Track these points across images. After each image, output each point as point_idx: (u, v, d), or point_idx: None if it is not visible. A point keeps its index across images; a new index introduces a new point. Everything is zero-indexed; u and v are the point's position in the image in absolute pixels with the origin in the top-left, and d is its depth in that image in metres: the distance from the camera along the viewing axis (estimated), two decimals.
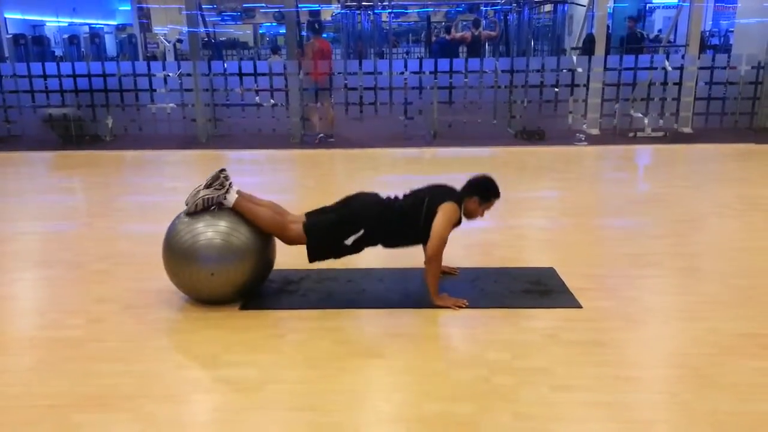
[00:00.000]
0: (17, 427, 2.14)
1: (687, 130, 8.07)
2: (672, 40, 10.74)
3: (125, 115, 8.24)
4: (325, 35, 9.97)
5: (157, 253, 3.04)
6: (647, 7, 14.17)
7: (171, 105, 8.14)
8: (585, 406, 2.20)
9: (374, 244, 3.06)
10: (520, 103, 8.06)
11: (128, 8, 19.11)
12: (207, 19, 11.71)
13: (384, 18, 14.24)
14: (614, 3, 12.04)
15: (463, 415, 2.15)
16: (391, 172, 6.22)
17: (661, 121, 8.00)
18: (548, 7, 11.51)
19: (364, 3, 12.28)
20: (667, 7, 15.58)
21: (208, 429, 2.15)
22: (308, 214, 3.06)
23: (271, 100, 8.15)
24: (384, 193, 3.18)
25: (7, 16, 13.83)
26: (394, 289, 3.19)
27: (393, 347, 2.64)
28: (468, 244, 3.89)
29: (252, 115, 8.15)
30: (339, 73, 8.08)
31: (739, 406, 2.18)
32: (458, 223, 3.04)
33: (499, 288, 3.20)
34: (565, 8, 10.74)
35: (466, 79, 8.08)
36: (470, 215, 3.09)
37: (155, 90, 8.16)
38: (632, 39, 9.20)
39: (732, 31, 11.92)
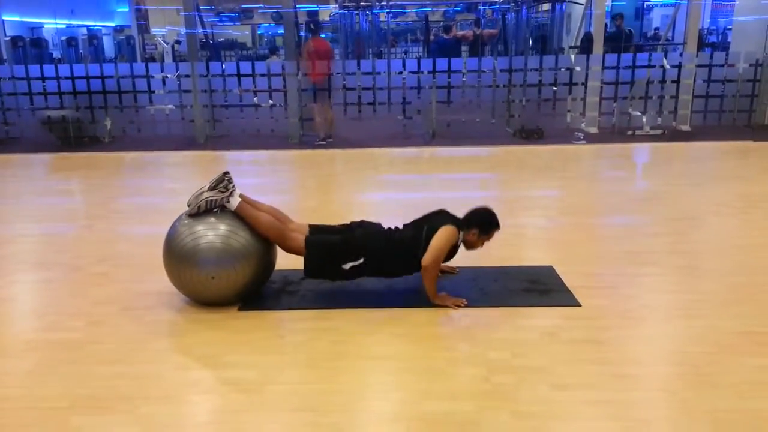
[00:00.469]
0: (16, 429, 2.14)
1: (685, 127, 8.08)
2: (670, 38, 10.74)
3: (124, 117, 8.25)
4: (323, 35, 9.93)
5: (156, 255, 3.04)
6: (645, 5, 14.16)
7: (169, 106, 8.15)
8: (584, 405, 2.20)
9: (369, 275, 3.06)
10: (519, 102, 8.07)
11: (126, 10, 19.08)
12: (205, 20, 11.70)
13: (382, 18, 14.24)
14: (612, 1, 12.05)
15: (462, 413, 2.15)
16: (390, 172, 6.21)
17: (659, 119, 8.01)
18: (546, 6, 11.53)
19: (362, 3, 12.28)
20: (665, 5, 15.60)
21: (207, 430, 2.15)
22: (312, 229, 3.07)
23: (270, 101, 8.15)
24: (386, 222, 3.18)
25: (5, 18, 13.81)
26: (395, 289, 3.19)
27: (392, 347, 2.64)
28: None
29: (250, 116, 8.15)
30: (337, 73, 8.08)
31: (738, 404, 2.19)
32: (456, 247, 3.03)
33: (498, 287, 3.20)
34: (563, 7, 10.73)
35: (464, 79, 8.09)
36: (470, 246, 3.10)
37: (154, 91, 8.17)
38: (618, 37, 8.83)
39: (730, 29, 11.93)
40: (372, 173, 6.24)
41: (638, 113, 7.99)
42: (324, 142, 7.72)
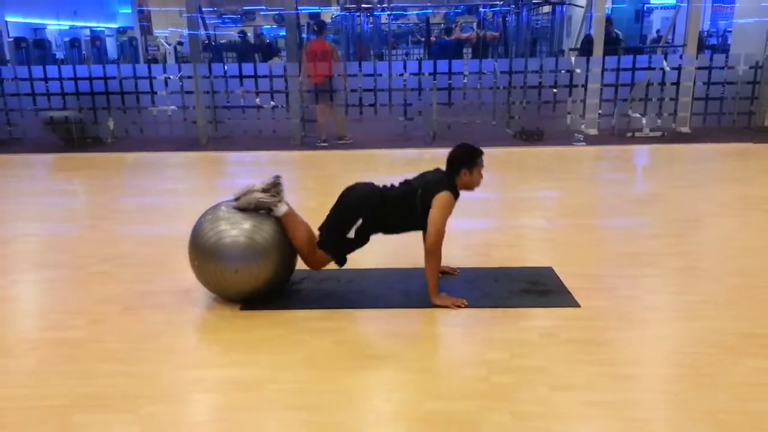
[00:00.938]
0: (18, 428, 2.15)
1: (685, 129, 8.09)
2: (670, 40, 10.76)
3: (126, 118, 8.27)
4: (328, 37, 9.91)
5: (159, 254, 3.06)
6: (645, 8, 14.16)
7: (172, 107, 8.17)
8: (584, 405, 2.21)
9: (375, 231, 3.10)
10: (519, 104, 8.08)
11: (129, 11, 19.14)
12: (207, 21, 11.73)
13: (383, 20, 14.26)
14: (612, 4, 12.05)
15: (462, 414, 2.16)
16: (391, 173, 6.21)
17: (659, 121, 8.02)
18: (547, 9, 11.52)
19: (363, 5, 12.30)
20: (665, 7, 15.61)
21: (208, 429, 2.16)
22: (319, 228, 3.13)
23: (272, 102, 8.17)
24: (381, 182, 3.21)
25: (8, 19, 13.86)
26: (395, 289, 3.20)
27: (393, 347, 2.65)
28: (467, 244, 3.90)
29: (252, 117, 8.17)
30: (338, 75, 8.07)
31: (738, 405, 2.19)
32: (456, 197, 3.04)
33: (498, 288, 3.21)
34: (564, 9, 10.74)
35: (465, 81, 8.10)
36: (470, 186, 3.09)
37: (156, 92, 8.20)
38: (606, 42, 8.79)
39: (730, 31, 11.94)
40: (373, 174, 6.24)
41: (638, 115, 8.00)
42: (326, 143, 7.73)
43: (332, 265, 3.21)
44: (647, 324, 2.83)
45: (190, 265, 3.01)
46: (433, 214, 2.93)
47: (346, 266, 3.34)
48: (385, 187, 3.15)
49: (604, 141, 7.65)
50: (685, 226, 4.26)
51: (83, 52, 14.51)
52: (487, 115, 8.15)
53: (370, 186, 3.17)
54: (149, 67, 8.43)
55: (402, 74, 8.17)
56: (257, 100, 8.14)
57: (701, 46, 10.00)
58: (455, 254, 3.58)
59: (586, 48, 8.48)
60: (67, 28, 17.02)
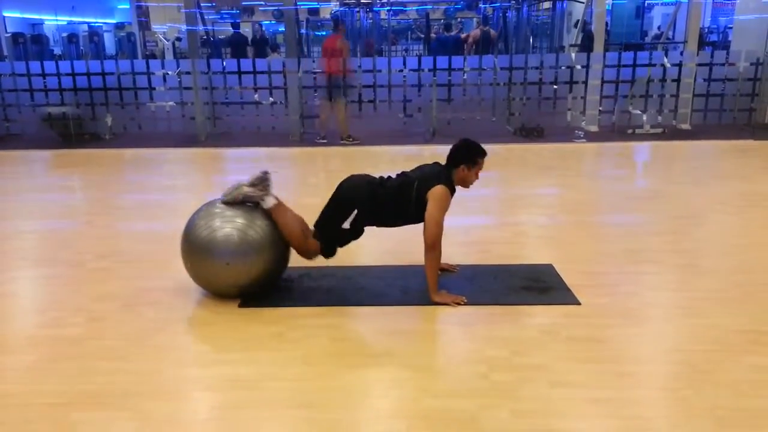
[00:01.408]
0: (16, 425, 2.14)
1: (685, 126, 8.07)
2: (671, 37, 10.74)
3: (124, 114, 8.24)
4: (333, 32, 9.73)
5: (157, 251, 3.05)
6: (645, 4, 14.14)
7: (170, 103, 8.15)
8: (584, 402, 2.20)
9: (370, 223, 3.10)
10: (519, 101, 8.06)
11: (127, 6, 19.09)
12: (206, 17, 11.69)
13: (383, 16, 14.23)
14: (612, 0, 12.03)
15: (462, 411, 2.16)
16: (391, 170, 6.20)
17: (659, 118, 8.00)
18: (547, 4, 11.52)
19: (362, 1, 12.26)
20: (666, 3, 15.58)
21: (206, 427, 2.15)
22: (315, 226, 3.13)
23: (270, 98, 8.14)
24: (377, 174, 3.21)
25: (6, 14, 13.81)
26: (393, 286, 3.19)
27: (392, 344, 2.64)
28: (467, 241, 3.89)
29: (251, 114, 8.15)
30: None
31: (738, 402, 2.19)
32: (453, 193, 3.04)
33: (498, 285, 3.20)
34: (564, 5, 10.73)
35: (465, 77, 8.08)
36: (465, 183, 3.09)
37: (154, 88, 8.17)
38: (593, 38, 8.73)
39: (731, 28, 11.91)
40: (372, 171, 6.23)
41: (638, 112, 7.99)
42: (325, 140, 7.69)
43: (331, 262, 3.21)
44: (647, 321, 2.82)
45: (183, 264, 3.00)
46: (430, 209, 2.92)
47: (345, 263, 3.34)
48: (381, 178, 3.16)
49: (605, 138, 7.63)
50: (685, 223, 4.25)
51: (81, 47, 14.48)
52: (487, 112, 8.13)
53: (365, 177, 3.18)
54: (147, 63, 8.39)
55: (401, 70, 8.15)
56: (256, 96, 8.11)
57: (702, 43, 9.99)
58: (455, 251, 3.57)
59: (586, 44, 8.46)
60: (65, 23, 16.98)
